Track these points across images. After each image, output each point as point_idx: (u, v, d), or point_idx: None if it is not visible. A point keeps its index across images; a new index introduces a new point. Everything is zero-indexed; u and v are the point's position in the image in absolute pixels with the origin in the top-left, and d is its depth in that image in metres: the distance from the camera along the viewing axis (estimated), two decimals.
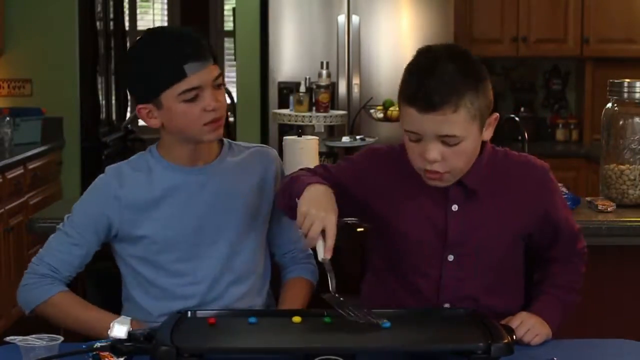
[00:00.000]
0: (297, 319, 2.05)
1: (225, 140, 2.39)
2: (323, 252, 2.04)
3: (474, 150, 2.14)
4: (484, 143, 2.19)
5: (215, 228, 2.30)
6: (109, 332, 2.16)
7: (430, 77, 2.05)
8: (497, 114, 2.17)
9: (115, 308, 2.38)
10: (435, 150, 2.07)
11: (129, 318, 2.16)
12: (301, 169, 2.31)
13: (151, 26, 9.77)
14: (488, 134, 2.16)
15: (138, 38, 2.28)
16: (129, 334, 1.95)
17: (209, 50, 2.22)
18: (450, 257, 2.21)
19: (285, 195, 2.18)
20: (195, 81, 2.18)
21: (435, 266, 2.22)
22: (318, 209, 2.04)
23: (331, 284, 2.06)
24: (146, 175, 2.30)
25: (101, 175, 2.33)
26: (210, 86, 2.20)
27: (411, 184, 2.20)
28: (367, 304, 2.30)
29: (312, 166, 2.38)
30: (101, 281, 2.50)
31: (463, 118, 2.05)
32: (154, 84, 2.21)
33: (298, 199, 2.09)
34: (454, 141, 2.07)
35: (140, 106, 2.25)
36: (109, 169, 2.33)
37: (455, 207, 2.20)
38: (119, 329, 2.16)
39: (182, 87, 2.18)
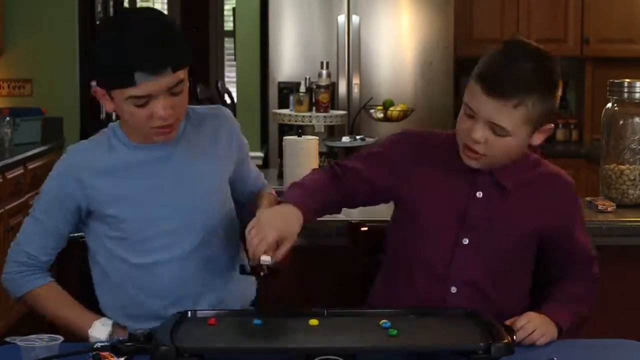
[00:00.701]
0: (314, 321, 2.05)
1: None
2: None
3: (517, 150, 2.21)
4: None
5: (185, 199, 2.28)
6: (89, 331, 2.17)
7: (508, 66, 2.13)
8: (552, 125, 2.23)
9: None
10: (481, 132, 2.16)
11: (111, 320, 2.17)
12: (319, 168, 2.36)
13: None
14: (537, 139, 2.21)
15: (108, 18, 2.21)
16: (129, 334, 1.95)
17: (171, 58, 2.11)
18: (465, 241, 2.26)
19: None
20: (145, 90, 2.10)
21: (450, 247, 2.27)
22: (262, 225, 2.08)
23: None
24: (108, 153, 2.27)
25: (62, 157, 2.31)
26: (164, 95, 2.13)
27: (441, 166, 2.29)
28: (379, 296, 2.38)
29: (312, 166, 2.41)
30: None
31: (519, 117, 2.13)
32: (106, 79, 2.15)
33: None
34: (501, 132, 2.15)
35: (96, 87, 2.19)
36: (70, 149, 2.31)
37: (479, 194, 2.26)
38: (100, 330, 2.16)
39: (131, 93, 2.11)
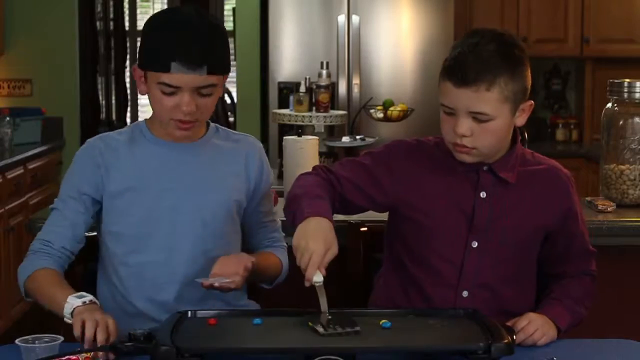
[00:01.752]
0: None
1: (212, 123, 2.39)
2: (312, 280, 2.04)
3: (504, 132, 2.20)
4: (516, 136, 2.26)
5: (192, 207, 2.29)
6: (64, 309, 2.06)
7: (470, 54, 2.12)
8: (532, 102, 2.22)
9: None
10: (465, 125, 2.15)
11: (90, 296, 2.08)
12: (310, 172, 2.29)
13: None
14: (521, 120, 2.21)
15: (166, 8, 2.29)
16: (129, 334, 1.95)
17: (208, 59, 2.17)
18: (474, 244, 2.25)
19: (289, 217, 2.17)
20: (176, 81, 2.18)
21: (459, 252, 2.25)
22: (307, 241, 2.04)
23: (322, 305, 2.07)
24: (129, 144, 2.31)
25: (83, 146, 2.34)
26: (191, 91, 2.19)
27: (441, 171, 2.26)
28: (381, 297, 2.36)
29: (313, 165, 2.39)
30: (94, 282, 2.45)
31: (495, 97, 2.12)
32: (146, 58, 2.23)
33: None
34: (484, 118, 2.14)
35: (135, 67, 2.27)
36: (91, 139, 2.34)
37: (483, 194, 2.25)
38: (71, 302, 2.04)
39: (162, 79, 2.19)
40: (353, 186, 2.27)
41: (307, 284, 2.04)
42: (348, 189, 2.26)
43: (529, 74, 2.19)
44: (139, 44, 2.28)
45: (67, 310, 2.05)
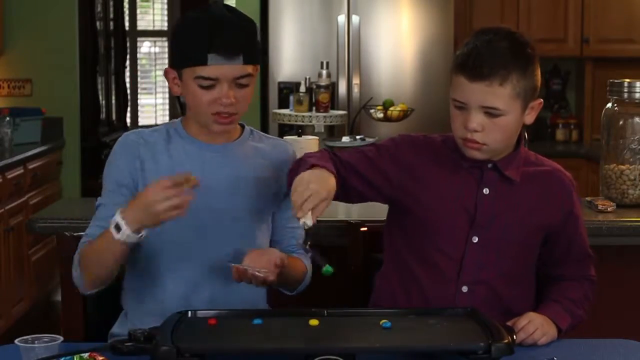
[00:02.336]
0: (314, 321, 2.04)
1: (247, 126, 2.40)
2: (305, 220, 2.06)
3: (514, 129, 2.22)
4: (520, 137, 2.28)
5: (224, 207, 2.29)
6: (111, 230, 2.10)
7: (484, 49, 2.16)
8: (542, 100, 2.25)
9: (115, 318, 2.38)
10: (476, 120, 2.17)
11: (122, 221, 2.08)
12: (317, 151, 2.32)
13: (151, 26, 9.81)
14: (530, 118, 2.24)
15: (203, 7, 2.28)
16: (129, 333, 1.95)
17: (244, 48, 2.20)
18: (475, 239, 2.26)
19: (292, 174, 2.20)
20: (214, 73, 2.19)
21: (460, 247, 2.26)
22: (309, 184, 2.07)
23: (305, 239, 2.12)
24: (165, 143, 2.31)
25: (119, 139, 2.33)
26: (229, 82, 2.21)
27: (445, 166, 2.28)
28: (382, 296, 2.36)
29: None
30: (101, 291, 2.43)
31: (508, 93, 2.15)
32: (180, 56, 2.25)
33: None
34: (495, 113, 2.16)
35: (168, 69, 2.29)
36: (127, 132, 2.35)
37: (486, 191, 2.26)
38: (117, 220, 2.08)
39: (200, 73, 2.20)
40: (357, 172, 2.29)
41: (298, 215, 2.05)
42: (352, 175, 2.28)
43: (539, 74, 2.22)
44: (169, 46, 2.30)
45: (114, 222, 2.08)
